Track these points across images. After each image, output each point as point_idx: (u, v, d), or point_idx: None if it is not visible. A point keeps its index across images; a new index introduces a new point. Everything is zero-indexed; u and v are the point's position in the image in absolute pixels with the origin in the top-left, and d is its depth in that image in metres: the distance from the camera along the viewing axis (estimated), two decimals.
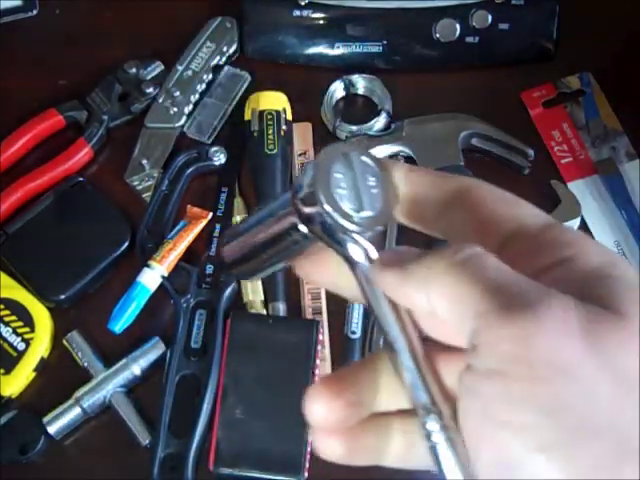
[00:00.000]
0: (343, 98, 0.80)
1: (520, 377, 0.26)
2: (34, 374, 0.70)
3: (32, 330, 0.70)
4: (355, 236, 0.30)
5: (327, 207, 0.29)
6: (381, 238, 0.31)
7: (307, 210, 0.30)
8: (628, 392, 0.26)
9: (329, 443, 0.32)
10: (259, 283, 0.72)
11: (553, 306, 0.26)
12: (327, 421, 0.31)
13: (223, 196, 0.76)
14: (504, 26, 0.79)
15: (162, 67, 0.80)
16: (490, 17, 0.79)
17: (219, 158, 0.76)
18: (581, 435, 0.25)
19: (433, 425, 0.30)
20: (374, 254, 0.30)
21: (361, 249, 0.30)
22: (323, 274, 0.33)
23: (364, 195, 0.30)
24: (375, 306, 0.31)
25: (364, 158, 0.31)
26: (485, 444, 0.27)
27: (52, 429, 0.67)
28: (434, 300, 0.28)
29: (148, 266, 0.71)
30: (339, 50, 0.80)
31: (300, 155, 0.77)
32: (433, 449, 0.30)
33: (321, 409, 0.31)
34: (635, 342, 0.26)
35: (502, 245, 0.30)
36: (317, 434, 0.32)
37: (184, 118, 0.78)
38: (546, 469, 0.26)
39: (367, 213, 0.30)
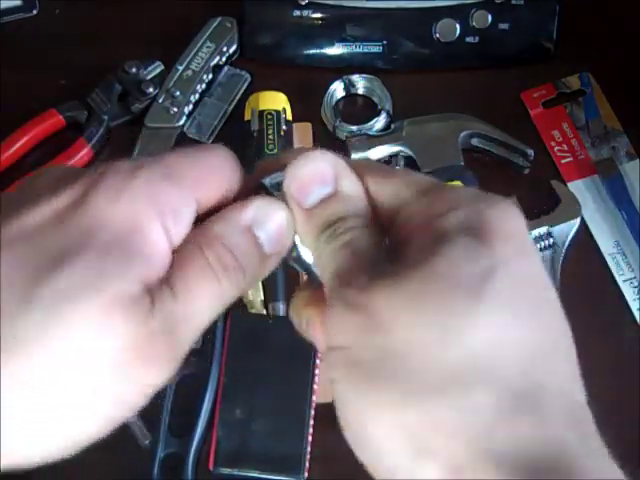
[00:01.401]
0: (343, 98, 0.80)
1: (334, 346, 0.31)
2: None
3: None
4: None
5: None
6: None
7: None
8: (419, 339, 0.29)
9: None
10: (259, 283, 0.72)
11: (377, 292, 0.30)
12: None
13: None
14: (504, 26, 0.79)
15: (162, 67, 0.80)
16: (490, 17, 0.79)
17: None
18: (368, 383, 0.30)
19: None
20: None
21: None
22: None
23: None
24: None
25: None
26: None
27: None
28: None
29: None
30: (339, 50, 0.80)
31: None
32: None
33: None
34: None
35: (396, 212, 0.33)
36: None
37: (184, 118, 0.78)
38: (346, 416, 0.32)
39: None
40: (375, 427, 0.29)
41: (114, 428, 0.35)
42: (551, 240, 0.73)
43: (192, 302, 0.32)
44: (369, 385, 0.29)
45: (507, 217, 0.30)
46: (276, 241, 0.34)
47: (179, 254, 0.33)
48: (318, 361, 0.68)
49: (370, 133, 0.77)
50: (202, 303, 0.32)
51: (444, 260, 0.28)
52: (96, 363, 0.30)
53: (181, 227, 0.33)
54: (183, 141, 0.78)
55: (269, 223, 0.34)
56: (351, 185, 0.33)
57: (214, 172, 0.35)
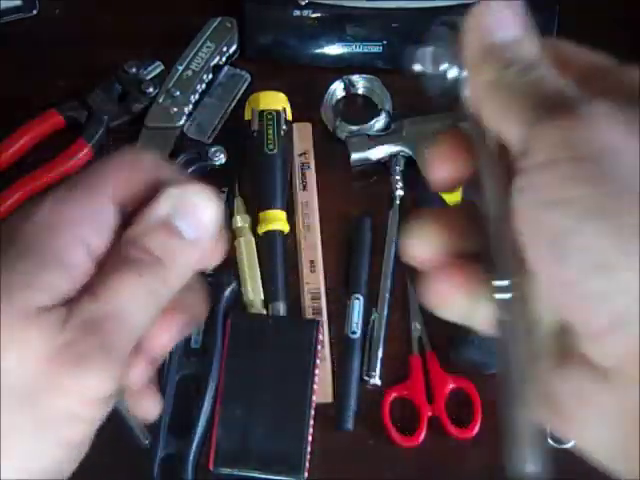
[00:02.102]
0: (343, 98, 0.80)
1: (566, 159, 0.27)
2: None
3: None
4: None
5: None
6: None
7: None
8: None
9: (429, 281, 0.33)
10: (259, 283, 0.72)
11: (596, 105, 0.28)
12: (419, 251, 0.33)
13: (223, 196, 0.76)
14: None
15: (162, 67, 0.80)
16: None
17: (219, 158, 0.76)
18: (625, 200, 0.26)
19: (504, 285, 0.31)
20: None
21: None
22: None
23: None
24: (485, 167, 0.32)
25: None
26: (538, 226, 0.28)
27: None
28: (489, 114, 0.30)
29: None
30: (339, 50, 0.81)
31: (300, 155, 0.77)
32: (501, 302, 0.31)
33: (415, 242, 0.33)
34: None
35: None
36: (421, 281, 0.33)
37: (184, 118, 0.78)
38: (595, 236, 0.26)
39: None
40: (627, 262, 0.26)
41: (82, 455, 0.36)
42: None
43: (114, 299, 0.32)
44: (628, 205, 0.26)
45: None
46: (198, 226, 0.34)
47: (104, 260, 0.33)
48: (318, 361, 0.68)
49: (370, 133, 0.77)
50: (126, 299, 0.32)
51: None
52: (13, 378, 0.30)
53: (100, 235, 0.33)
54: (183, 141, 0.78)
55: (186, 209, 0.34)
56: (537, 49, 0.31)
57: (123, 174, 0.35)
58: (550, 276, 0.28)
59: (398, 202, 0.75)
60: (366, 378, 0.70)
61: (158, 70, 0.79)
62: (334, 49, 0.81)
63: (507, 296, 0.31)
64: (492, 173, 0.32)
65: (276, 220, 0.74)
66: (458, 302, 0.33)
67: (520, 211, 0.29)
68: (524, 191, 0.28)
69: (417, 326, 0.71)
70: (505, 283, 0.31)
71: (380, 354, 0.70)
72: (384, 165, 0.76)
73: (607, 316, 0.27)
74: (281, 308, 0.72)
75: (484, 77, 0.31)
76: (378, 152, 0.76)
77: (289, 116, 0.78)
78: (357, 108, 0.80)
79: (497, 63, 0.30)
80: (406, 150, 0.76)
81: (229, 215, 0.75)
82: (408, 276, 0.72)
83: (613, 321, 0.27)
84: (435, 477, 0.69)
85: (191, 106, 0.78)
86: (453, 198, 0.74)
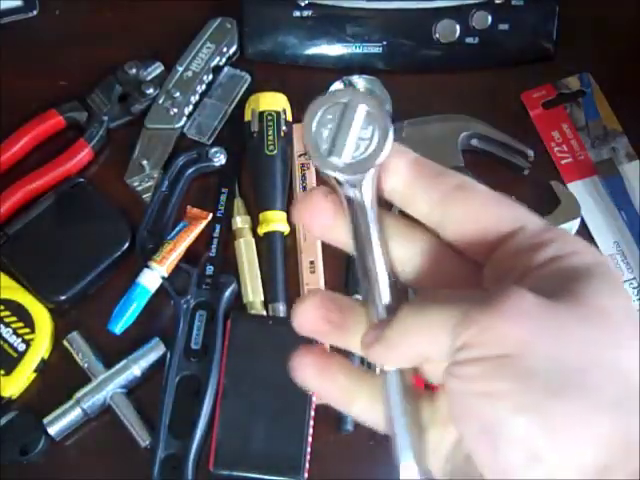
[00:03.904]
0: None
1: (492, 355, 0.29)
2: (34, 375, 0.70)
3: (32, 331, 0.70)
4: (338, 175, 0.33)
5: (305, 142, 0.34)
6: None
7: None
8: (592, 356, 0.29)
9: (305, 359, 0.36)
10: (259, 284, 0.72)
11: (511, 297, 0.29)
12: (310, 324, 0.35)
13: (223, 197, 0.76)
14: (504, 27, 0.79)
15: (162, 68, 0.80)
16: (490, 18, 0.79)
17: (219, 159, 0.76)
18: (553, 395, 0.28)
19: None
20: (366, 193, 0.33)
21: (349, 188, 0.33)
22: (318, 218, 0.35)
23: (346, 140, 0.33)
24: (364, 243, 0.33)
25: (368, 109, 0.34)
26: (469, 416, 0.30)
27: (52, 430, 0.68)
28: (417, 344, 0.32)
29: (148, 267, 0.71)
30: (339, 50, 0.80)
31: (300, 156, 0.77)
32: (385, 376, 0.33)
33: (309, 313, 0.35)
34: (598, 322, 0.29)
35: (501, 241, 0.32)
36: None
37: (184, 119, 0.78)
38: (527, 429, 0.28)
39: (345, 158, 0.33)
40: (568, 440, 0.28)
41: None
42: None
43: None
44: (547, 400, 0.28)
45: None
46: None
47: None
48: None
49: None
50: None
51: (590, 293, 0.30)
52: None
53: None
54: (183, 142, 0.78)
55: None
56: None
57: None
58: (483, 459, 0.30)
59: None
60: None
61: (158, 71, 0.79)
62: (334, 49, 0.80)
63: (391, 369, 0.33)
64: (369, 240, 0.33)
65: (276, 221, 0.74)
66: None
67: (453, 397, 0.31)
68: (454, 379, 0.30)
69: None
70: None
71: None
72: None
73: None
74: (281, 309, 0.72)
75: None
76: None
77: (289, 117, 0.78)
78: None
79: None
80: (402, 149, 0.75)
81: (229, 216, 0.75)
82: None
83: None
84: None
85: (191, 107, 0.78)
86: None
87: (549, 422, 0.28)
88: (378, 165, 0.33)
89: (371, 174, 0.33)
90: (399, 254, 0.34)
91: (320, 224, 0.35)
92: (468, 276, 0.33)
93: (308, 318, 0.35)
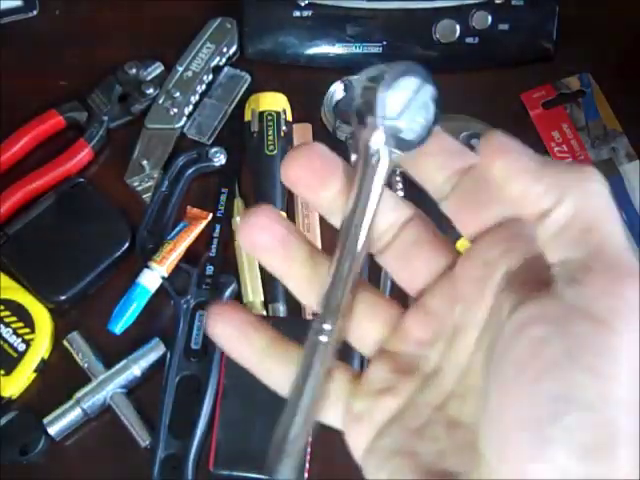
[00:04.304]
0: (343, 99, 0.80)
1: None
2: (34, 375, 0.70)
3: (32, 331, 0.70)
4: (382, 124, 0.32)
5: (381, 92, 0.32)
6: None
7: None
8: None
9: (225, 316, 0.36)
10: (259, 284, 0.72)
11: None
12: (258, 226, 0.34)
13: (223, 197, 0.76)
14: (504, 27, 0.79)
15: (162, 68, 0.80)
16: (490, 18, 0.79)
17: (219, 159, 0.76)
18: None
19: (323, 329, 0.33)
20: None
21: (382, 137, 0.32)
22: (307, 177, 0.34)
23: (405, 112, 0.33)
24: (361, 198, 0.33)
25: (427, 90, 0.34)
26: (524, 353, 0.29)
27: (52, 430, 0.68)
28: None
29: (148, 267, 0.71)
30: (339, 50, 0.80)
31: None
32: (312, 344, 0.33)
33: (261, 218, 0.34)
34: None
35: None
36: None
37: (184, 119, 0.78)
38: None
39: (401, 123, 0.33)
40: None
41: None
42: None
43: None
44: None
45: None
46: None
47: None
48: None
49: None
50: None
51: (583, 290, 0.29)
52: None
53: None
54: (183, 142, 0.78)
55: None
56: None
57: None
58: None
59: None
60: None
61: (158, 71, 0.79)
62: (334, 50, 0.80)
63: (324, 339, 0.33)
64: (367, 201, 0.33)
65: None
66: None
67: (513, 335, 0.29)
68: (531, 323, 0.29)
69: None
70: (328, 327, 0.33)
71: None
72: None
73: None
74: (281, 309, 0.72)
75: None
76: None
77: (289, 117, 0.78)
78: None
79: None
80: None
81: (229, 216, 0.75)
82: None
83: None
84: None
85: (191, 107, 0.78)
86: None
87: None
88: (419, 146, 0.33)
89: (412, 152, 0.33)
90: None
91: (307, 183, 0.34)
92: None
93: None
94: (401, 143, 0.33)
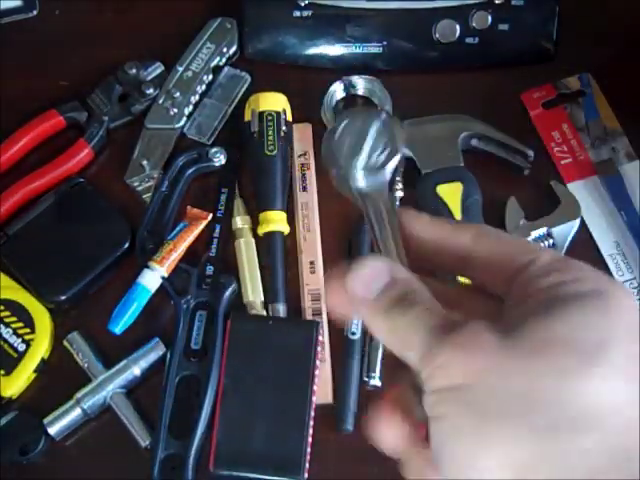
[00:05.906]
0: (343, 99, 0.80)
1: (444, 386, 0.32)
2: (34, 375, 0.70)
3: (32, 331, 0.70)
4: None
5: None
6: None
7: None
8: (531, 386, 0.31)
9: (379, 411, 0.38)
10: (259, 284, 0.72)
11: (465, 333, 0.32)
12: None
13: (223, 197, 0.76)
14: (504, 27, 0.79)
15: (162, 68, 0.80)
16: (490, 18, 0.79)
17: (219, 159, 0.76)
18: (487, 420, 0.31)
19: None
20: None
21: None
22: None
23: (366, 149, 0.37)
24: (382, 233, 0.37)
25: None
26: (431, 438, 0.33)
27: (52, 430, 0.68)
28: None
29: (148, 267, 0.71)
30: (339, 51, 0.80)
31: (300, 156, 0.77)
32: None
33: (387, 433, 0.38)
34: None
35: (517, 272, 0.35)
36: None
37: (184, 119, 0.78)
38: (461, 448, 0.32)
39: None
40: (487, 460, 0.31)
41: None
42: (551, 241, 0.73)
43: None
44: (482, 423, 0.31)
45: (627, 297, 0.33)
46: None
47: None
48: (318, 362, 0.68)
49: None
50: None
51: (552, 324, 0.31)
52: None
53: None
54: (183, 142, 0.78)
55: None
56: (404, 272, 0.36)
57: None
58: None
59: (398, 203, 0.75)
60: (366, 379, 0.70)
61: (158, 71, 0.79)
62: (334, 50, 0.80)
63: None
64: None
65: (276, 221, 0.74)
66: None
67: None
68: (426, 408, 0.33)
69: None
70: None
71: (380, 355, 0.70)
72: None
73: None
74: (281, 309, 0.72)
75: (376, 323, 0.36)
76: None
77: (289, 117, 0.78)
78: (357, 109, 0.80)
79: (378, 310, 0.35)
80: (406, 151, 0.76)
81: (229, 216, 0.75)
82: None
83: None
84: None
85: (191, 107, 0.78)
86: (453, 198, 0.74)
87: (473, 445, 0.31)
88: (391, 171, 0.36)
89: (387, 177, 0.36)
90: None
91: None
92: (490, 311, 0.35)
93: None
94: (375, 171, 0.36)
